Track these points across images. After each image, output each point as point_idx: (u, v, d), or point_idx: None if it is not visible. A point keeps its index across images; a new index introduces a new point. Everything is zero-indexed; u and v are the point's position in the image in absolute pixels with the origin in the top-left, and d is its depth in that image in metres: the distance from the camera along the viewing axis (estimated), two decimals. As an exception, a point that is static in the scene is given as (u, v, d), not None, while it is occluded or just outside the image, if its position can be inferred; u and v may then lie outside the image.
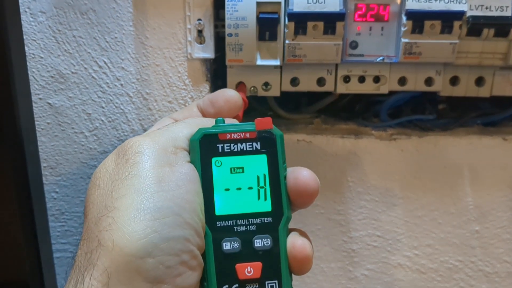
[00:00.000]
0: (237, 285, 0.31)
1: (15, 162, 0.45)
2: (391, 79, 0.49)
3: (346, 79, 0.49)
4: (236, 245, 0.31)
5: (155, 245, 0.28)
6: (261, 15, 0.45)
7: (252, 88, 0.49)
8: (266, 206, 0.32)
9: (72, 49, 0.48)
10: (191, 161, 0.32)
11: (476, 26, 0.45)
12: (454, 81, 0.50)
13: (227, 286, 0.31)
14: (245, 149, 0.33)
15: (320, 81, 0.49)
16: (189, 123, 0.34)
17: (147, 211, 0.28)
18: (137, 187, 0.29)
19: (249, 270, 0.31)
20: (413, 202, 0.54)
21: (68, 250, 0.55)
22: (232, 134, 0.33)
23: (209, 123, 0.35)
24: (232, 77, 0.49)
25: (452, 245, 0.56)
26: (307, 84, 0.49)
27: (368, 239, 0.55)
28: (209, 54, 0.48)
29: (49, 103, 0.50)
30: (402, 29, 0.46)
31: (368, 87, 0.50)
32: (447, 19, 0.45)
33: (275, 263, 0.31)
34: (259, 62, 0.47)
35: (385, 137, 0.52)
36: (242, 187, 0.33)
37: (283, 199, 0.33)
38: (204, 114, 0.38)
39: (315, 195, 0.33)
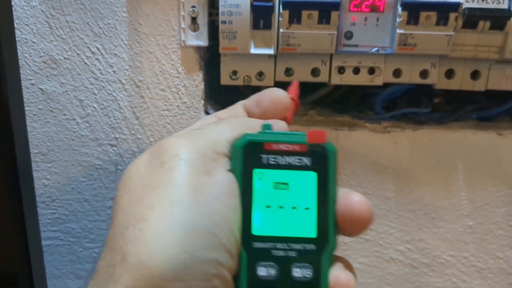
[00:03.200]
0: None
1: (3, 147, 0.44)
2: (386, 71, 0.49)
3: (341, 70, 0.49)
4: (272, 272, 0.28)
5: (185, 268, 0.25)
6: (255, 3, 0.45)
7: (246, 78, 0.49)
8: (310, 231, 0.29)
9: (65, 34, 0.48)
10: (231, 170, 0.29)
11: (472, 18, 0.45)
12: (449, 74, 0.50)
13: None
14: (292, 163, 0.29)
15: (315, 72, 0.49)
16: (233, 124, 0.31)
17: (179, 227, 0.25)
18: (170, 198, 0.26)
19: None
20: (406, 195, 0.54)
21: (59, 238, 0.55)
22: (280, 145, 0.29)
23: (255, 125, 0.31)
24: (226, 65, 0.49)
25: (444, 240, 0.56)
26: (301, 74, 0.49)
27: (360, 232, 0.55)
28: (203, 42, 0.48)
29: (41, 89, 0.50)
30: (398, 20, 0.45)
31: (363, 79, 0.49)
32: (442, 11, 0.45)
33: None
34: (253, 50, 0.47)
35: (379, 129, 0.52)
36: (284, 206, 0.29)
37: (330, 225, 0.29)
38: (250, 115, 0.35)
39: (367, 226, 0.29)
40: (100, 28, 0.48)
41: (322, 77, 0.49)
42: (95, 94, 0.50)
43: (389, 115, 0.52)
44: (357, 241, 0.55)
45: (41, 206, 0.53)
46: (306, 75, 0.49)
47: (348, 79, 0.49)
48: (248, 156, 0.29)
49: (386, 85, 0.50)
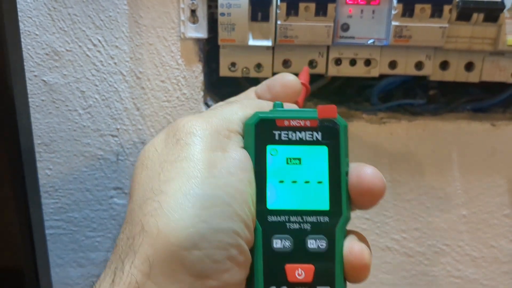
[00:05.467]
0: None
1: (9, 137, 0.45)
2: (381, 62, 0.50)
3: (338, 61, 0.50)
4: (287, 243, 0.29)
5: (202, 236, 0.25)
6: (253, -4, 0.46)
7: (245, 69, 0.50)
8: (323, 203, 0.29)
9: (67, 27, 0.49)
10: (244, 147, 0.30)
11: (466, 10, 0.46)
12: (444, 65, 0.50)
13: (274, 287, 0.28)
14: (304, 138, 0.30)
15: (312, 64, 0.50)
16: (245, 105, 0.32)
17: (196, 198, 0.26)
18: (187, 171, 0.27)
19: (300, 272, 0.28)
20: (402, 185, 0.55)
21: (62, 227, 0.56)
22: (291, 121, 0.30)
23: (266, 106, 0.32)
24: (225, 57, 0.49)
25: (439, 229, 0.57)
26: (299, 66, 0.50)
27: (357, 221, 0.56)
28: (202, 34, 0.49)
29: (43, 80, 0.51)
30: (393, 12, 0.46)
31: (359, 70, 0.50)
32: (437, 3, 0.45)
33: (329, 268, 0.28)
34: (251, 42, 0.48)
35: (375, 120, 0.53)
36: (298, 181, 0.29)
37: (343, 198, 0.29)
38: (261, 99, 0.35)
39: (380, 197, 0.29)
40: (101, 20, 0.49)
41: (319, 69, 0.50)
42: (97, 86, 0.51)
43: (385, 106, 0.53)
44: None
45: (44, 196, 0.54)
46: (304, 66, 0.50)
47: (345, 70, 0.50)
48: (261, 133, 0.30)
49: (382, 76, 0.51)
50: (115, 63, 0.50)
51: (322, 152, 0.30)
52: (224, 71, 0.50)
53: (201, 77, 0.50)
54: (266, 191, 0.29)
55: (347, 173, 0.30)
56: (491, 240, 0.57)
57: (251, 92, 0.36)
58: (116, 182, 0.54)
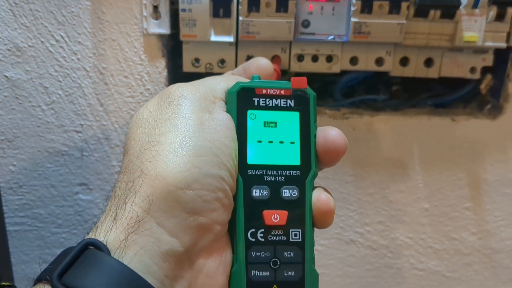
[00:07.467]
0: (263, 230, 0.32)
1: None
2: (343, 58, 0.50)
3: (300, 58, 0.50)
4: (265, 193, 0.33)
5: (195, 179, 0.29)
6: (214, -8, 0.46)
7: (208, 65, 0.50)
8: (295, 160, 0.34)
9: (29, 22, 0.49)
10: (227, 111, 0.34)
11: (423, 7, 0.47)
12: (404, 61, 0.51)
13: (253, 230, 0.32)
14: (279, 105, 0.34)
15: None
16: (227, 78, 0.36)
17: (189, 148, 0.30)
18: (180, 126, 0.31)
19: (275, 217, 0.32)
20: (365, 179, 0.56)
21: (27, 224, 0.56)
22: (268, 90, 0.34)
23: (245, 80, 0.36)
24: (188, 53, 0.50)
25: (402, 222, 0.58)
26: (262, 62, 0.50)
27: (321, 215, 0.57)
28: (165, 30, 0.49)
29: (6, 76, 0.50)
30: (352, 8, 0.47)
31: (321, 66, 0.51)
32: (394, 0, 0.46)
33: (300, 213, 0.33)
34: (213, 38, 0.48)
35: (338, 116, 0.54)
36: (273, 141, 0.34)
37: (312, 155, 0.34)
38: None
39: (343, 153, 0.34)
40: (63, 16, 0.49)
41: (282, 65, 0.51)
42: (60, 82, 0.51)
43: (348, 102, 0.54)
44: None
45: (8, 192, 0.54)
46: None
47: (307, 66, 0.51)
48: (242, 99, 0.34)
49: (345, 72, 0.52)
50: (78, 59, 0.50)
51: (294, 117, 0.34)
52: (187, 67, 0.50)
53: (164, 73, 0.51)
54: (247, 149, 0.33)
55: (315, 135, 0.34)
56: (453, 232, 0.59)
57: (228, 74, 0.40)
58: (81, 178, 0.54)
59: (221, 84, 0.35)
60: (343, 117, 0.54)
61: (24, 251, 0.57)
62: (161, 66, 0.50)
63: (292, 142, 0.34)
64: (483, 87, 0.54)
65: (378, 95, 0.55)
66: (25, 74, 0.50)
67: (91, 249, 0.27)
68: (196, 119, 0.31)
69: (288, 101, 0.34)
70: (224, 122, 0.32)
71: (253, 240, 0.32)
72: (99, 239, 0.28)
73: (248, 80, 0.36)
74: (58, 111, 0.52)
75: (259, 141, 0.34)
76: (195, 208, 0.29)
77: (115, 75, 0.50)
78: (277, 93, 0.34)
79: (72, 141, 0.53)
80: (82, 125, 0.52)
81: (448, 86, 0.56)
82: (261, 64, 0.40)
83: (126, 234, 0.28)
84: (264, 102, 0.34)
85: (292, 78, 0.35)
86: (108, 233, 0.28)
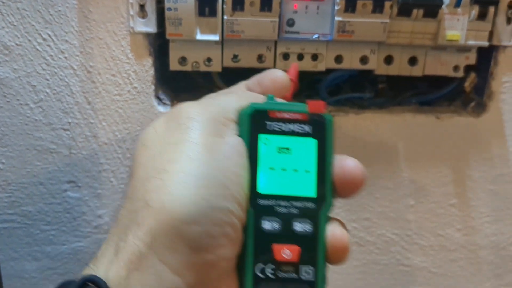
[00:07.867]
0: (273, 266, 0.31)
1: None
2: (327, 57, 0.51)
3: (286, 56, 0.51)
4: (276, 225, 0.31)
5: (202, 213, 0.28)
6: (199, -9, 0.47)
7: (194, 64, 0.51)
8: (310, 191, 0.32)
9: (16, 21, 0.49)
10: (239, 134, 0.32)
11: (406, 6, 0.48)
12: (388, 60, 0.52)
13: (263, 265, 0.30)
14: (294, 130, 0.32)
15: (260, 58, 0.51)
16: (240, 96, 0.34)
17: (197, 178, 0.28)
18: (188, 153, 0.29)
19: (286, 252, 0.31)
20: (351, 176, 0.56)
21: (16, 221, 0.56)
22: (283, 113, 0.32)
23: (259, 99, 0.34)
24: (175, 51, 0.50)
25: (388, 218, 0.59)
26: (248, 60, 0.51)
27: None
28: (151, 28, 0.49)
29: (-6, 75, 0.51)
30: (336, 7, 0.47)
31: (307, 65, 0.51)
32: (378, -1, 0.47)
33: (313, 249, 0.31)
34: (199, 37, 0.49)
35: (324, 113, 0.54)
36: (287, 168, 0.32)
37: (327, 186, 0.32)
38: None
39: (361, 186, 0.32)
40: (50, 15, 0.49)
41: (268, 63, 0.51)
42: (48, 80, 0.51)
43: (334, 100, 0.55)
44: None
45: (-3, 190, 0.55)
46: (252, 61, 0.51)
47: (293, 65, 0.51)
48: (254, 123, 0.32)
49: (330, 71, 0.53)
50: (65, 57, 0.50)
51: (310, 144, 0.32)
52: (174, 65, 0.51)
53: (151, 71, 0.51)
54: (258, 177, 0.31)
55: (332, 164, 0.32)
56: (438, 229, 0.59)
57: (241, 85, 0.38)
58: (70, 176, 0.54)
59: (233, 103, 0.33)
60: (329, 115, 0.54)
61: (13, 248, 0.57)
62: (147, 65, 0.51)
63: (307, 171, 0.32)
64: (467, 85, 0.55)
65: (363, 93, 0.55)
66: (13, 73, 0.51)
67: (91, 286, 0.26)
68: (206, 145, 0.29)
69: (305, 126, 0.32)
70: (235, 147, 0.31)
71: (263, 276, 0.30)
72: (99, 275, 0.27)
73: (262, 96, 0.34)
74: (46, 109, 0.52)
75: (272, 168, 0.32)
76: (201, 245, 0.28)
77: (102, 73, 0.51)
78: (293, 117, 0.32)
79: (60, 139, 0.53)
80: (69, 123, 0.52)
81: (432, 85, 0.56)
82: (276, 76, 0.37)
83: (127, 270, 0.27)
84: (278, 126, 0.32)
85: (308, 102, 0.33)
86: (108, 269, 0.27)
